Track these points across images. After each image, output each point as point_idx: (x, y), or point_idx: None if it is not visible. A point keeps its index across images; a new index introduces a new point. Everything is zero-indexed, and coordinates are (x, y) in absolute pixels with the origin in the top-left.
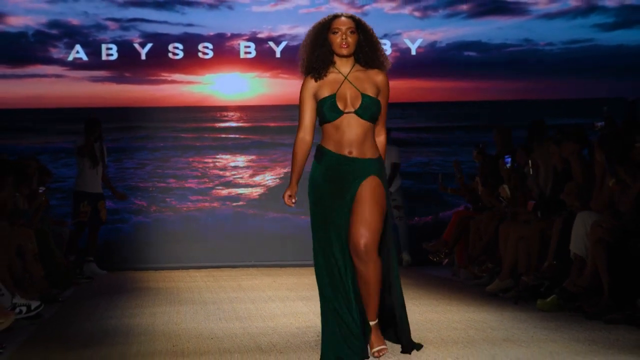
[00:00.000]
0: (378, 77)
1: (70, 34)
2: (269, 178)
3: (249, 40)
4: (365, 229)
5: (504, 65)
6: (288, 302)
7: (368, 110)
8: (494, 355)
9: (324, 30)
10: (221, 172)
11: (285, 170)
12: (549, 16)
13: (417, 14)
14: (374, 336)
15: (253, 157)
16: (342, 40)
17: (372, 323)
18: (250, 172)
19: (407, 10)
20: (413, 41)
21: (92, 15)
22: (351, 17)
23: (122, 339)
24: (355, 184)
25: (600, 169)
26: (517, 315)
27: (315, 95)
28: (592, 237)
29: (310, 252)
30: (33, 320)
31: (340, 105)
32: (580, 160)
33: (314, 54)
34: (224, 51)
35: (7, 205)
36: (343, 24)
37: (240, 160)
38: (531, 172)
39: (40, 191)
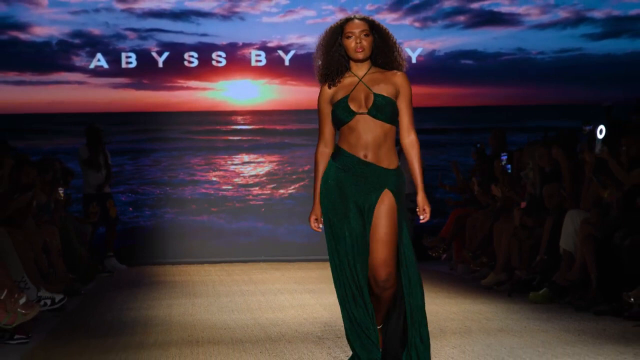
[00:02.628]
0: (395, 77)
1: (92, 43)
2: (278, 177)
3: (259, 49)
4: (384, 255)
5: (498, 73)
6: (296, 295)
7: (381, 110)
8: (489, 344)
9: (336, 34)
10: (233, 172)
11: (293, 169)
12: (541, 27)
13: (417, 24)
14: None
15: (263, 157)
16: (357, 44)
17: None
18: (260, 171)
19: (407, 21)
20: (413, 50)
21: (112, 25)
22: (364, 19)
23: (141, 329)
24: (371, 197)
25: (589, 170)
26: (510, 307)
27: (331, 102)
28: (581, 233)
29: (316, 248)
30: (57, 312)
31: (353, 107)
32: (569, 162)
33: (327, 59)
34: (236, 59)
35: (39, 203)
36: (356, 27)
37: (251, 160)
38: (531, 175)
39: (61, 191)
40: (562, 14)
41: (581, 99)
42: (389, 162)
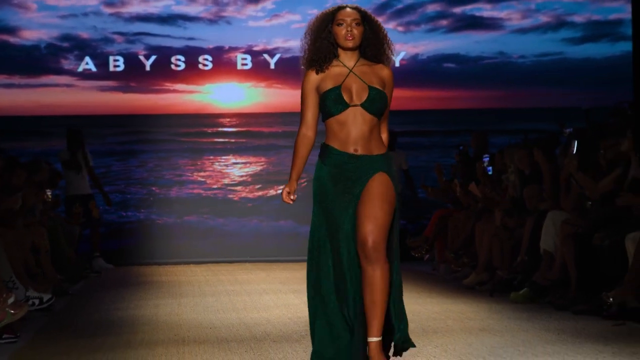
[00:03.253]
0: (384, 71)
1: (80, 47)
2: (263, 179)
3: (245, 52)
4: (373, 225)
5: (480, 76)
6: (281, 295)
7: (375, 103)
8: (470, 343)
9: (327, 21)
10: (219, 173)
11: (279, 170)
12: (522, 31)
13: (400, 28)
14: (376, 356)
15: (249, 159)
16: (348, 32)
17: (374, 340)
18: (246, 173)
19: (391, 25)
20: (397, 54)
21: (100, 29)
22: (356, 9)
23: (128, 329)
24: (362, 180)
25: (569, 172)
26: (492, 307)
27: (317, 89)
28: (562, 234)
29: (302, 249)
30: (45, 312)
31: (345, 98)
32: (549, 164)
33: (315, 45)
34: (222, 63)
35: (27, 204)
36: (348, 15)
37: (237, 162)
38: (512, 178)
39: (48, 193)
40: (543, 18)
41: (561, 102)
42: (378, 149)
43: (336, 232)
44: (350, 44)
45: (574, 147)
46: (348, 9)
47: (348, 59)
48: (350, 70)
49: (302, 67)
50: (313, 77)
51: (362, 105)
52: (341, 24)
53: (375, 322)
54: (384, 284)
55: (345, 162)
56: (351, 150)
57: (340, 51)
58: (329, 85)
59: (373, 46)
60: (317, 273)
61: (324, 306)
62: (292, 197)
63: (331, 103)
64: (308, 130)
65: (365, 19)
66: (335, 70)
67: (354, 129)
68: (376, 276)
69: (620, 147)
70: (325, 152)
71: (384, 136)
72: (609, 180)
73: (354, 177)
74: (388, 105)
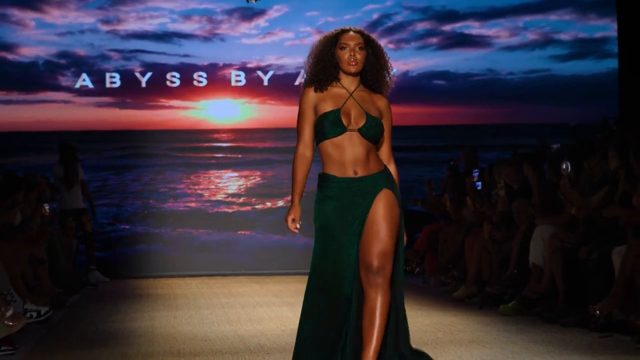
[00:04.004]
0: (381, 101)
1: (77, 64)
2: (257, 193)
3: (239, 69)
4: (379, 251)
5: (469, 93)
6: (274, 307)
7: (371, 130)
8: (460, 355)
9: (331, 44)
10: (213, 188)
11: (272, 185)
12: (510, 48)
13: (391, 46)
14: None
15: (242, 174)
16: (351, 57)
17: None
18: (240, 187)
19: (382, 42)
20: None
21: (97, 46)
22: (360, 33)
23: (124, 341)
24: (366, 201)
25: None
26: (481, 319)
27: (315, 108)
28: (550, 248)
29: (295, 262)
30: (43, 324)
31: (344, 121)
32: (538, 179)
33: (317, 67)
34: (217, 79)
35: (36, 218)
36: (352, 39)
37: (231, 176)
38: (501, 193)
39: (46, 207)
40: (531, 36)
41: (549, 118)
42: (377, 167)
43: (341, 258)
44: (352, 69)
45: (567, 167)
46: (352, 32)
47: (349, 83)
48: (350, 95)
49: (302, 86)
50: (312, 95)
51: (359, 130)
52: (344, 48)
53: (371, 345)
54: (384, 308)
55: (349, 186)
56: (351, 173)
57: (341, 74)
58: (328, 106)
59: (375, 71)
60: (319, 307)
61: (316, 340)
62: (297, 225)
63: (329, 125)
64: (306, 150)
65: (368, 44)
66: (335, 90)
67: (351, 150)
68: (378, 301)
69: (606, 164)
70: (324, 181)
71: (393, 166)
72: (598, 197)
73: (358, 200)
74: (384, 133)
